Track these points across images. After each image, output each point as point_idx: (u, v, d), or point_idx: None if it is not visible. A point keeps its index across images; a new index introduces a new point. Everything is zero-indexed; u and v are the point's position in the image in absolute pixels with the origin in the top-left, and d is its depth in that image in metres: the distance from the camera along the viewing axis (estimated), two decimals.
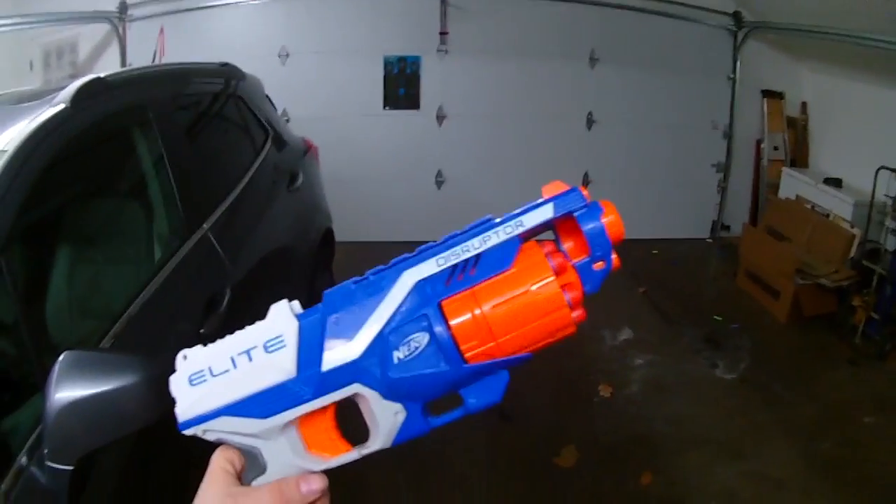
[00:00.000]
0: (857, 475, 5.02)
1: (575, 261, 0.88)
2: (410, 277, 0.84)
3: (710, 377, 6.37)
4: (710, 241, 10.17)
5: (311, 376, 0.85)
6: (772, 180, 9.68)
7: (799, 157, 9.69)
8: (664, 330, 7.29)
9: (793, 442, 5.39)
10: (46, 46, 8.43)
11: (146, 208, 3.44)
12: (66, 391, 1.87)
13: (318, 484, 0.90)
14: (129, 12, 8.46)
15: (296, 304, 0.90)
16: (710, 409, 5.81)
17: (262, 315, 0.87)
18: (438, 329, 0.83)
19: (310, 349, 0.85)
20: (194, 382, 0.87)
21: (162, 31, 8.36)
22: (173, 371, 0.90)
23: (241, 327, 0.90)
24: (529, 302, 0.83)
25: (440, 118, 9.28)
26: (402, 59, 9.07)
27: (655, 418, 5.64)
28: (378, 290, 0.85)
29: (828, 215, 8.03)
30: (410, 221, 9.31)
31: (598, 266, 0.87)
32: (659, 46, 9.45)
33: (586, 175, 9.70)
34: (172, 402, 0.89)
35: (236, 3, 8.71)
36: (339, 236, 6.42)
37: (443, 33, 8.97)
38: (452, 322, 0.82)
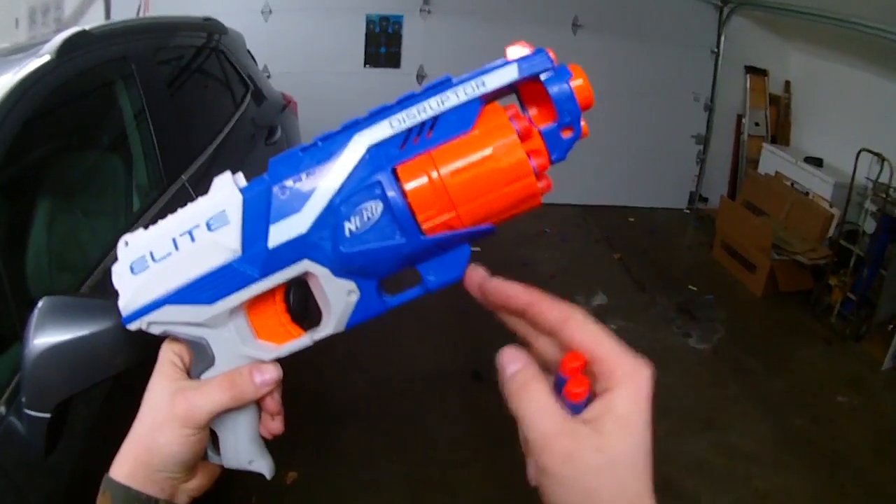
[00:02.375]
0: (828, 453, 5.07)
1: (541, 126, 0.80)
2: (362, 141, 0.78)
3: (682, 346, 6.41)
4: (688, 211, 10.20)
5: (257, 254, 0.80)
6: (751, 156, 9.69)
7: (780, 135, 9.68)
8: (638, 297, 7.31)
9: (764, 416, 5.43)
10: (32, 3, 8.35)
11: (126, 160, 3.43)
12: (45, 337, 1.86)
13: (272, 374, 0.86)
14: None
15: (240, 176, 0.86)
16: (681, 378, 5.82)
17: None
18: (393, 196, 0.76)
19: (255, 224, 0.80)
20: (136, 271, 0.84)
21: None
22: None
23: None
24: (493, 168, 0.76)
25: (420, 77, 9.23)
26: (384, 18, 9.02)
27: None
28: (327, 157, 0.79)
29: (807, 194, 8.06)
30: None
31: (566, 133, 0.79)
32: (643, 16, 9.42)
33: None
34: (115, 295, 0.86)
35: None
36: None
37: None
38: (408, 188, 0.76)
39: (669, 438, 5.05)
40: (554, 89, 0.77)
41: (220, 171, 2.87)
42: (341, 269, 0.80)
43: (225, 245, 0.81)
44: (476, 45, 9.08)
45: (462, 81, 0.78)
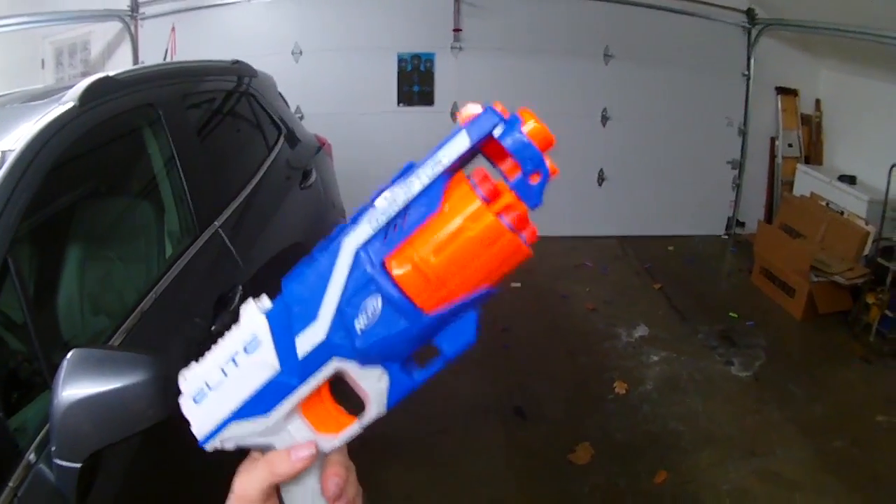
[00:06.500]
0: (869, 475, 4.99)
1: (511, 180, 0.81)
2: (350, 245, 0.82)
3: (724, 374, 6.35)
4: (725, 237, 10.14)
5: (292, 365, 0.86)
6: (786, 177, 9.70)
7: (813, 155, 9.68)
8: (679, 327, 7.26)
9: (806, 440, 5.37)
10: (58, 45, 8.43)
11: (157, 206, 3.44)
12: (74, 389, 1.86)
13: (306, 451, 0.93)
14: (142, 10, 8.48)
15: (264, 298, 0.92)
16: (724, 406, 5.79)
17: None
18: (387, 287, 0.80)
19: (283, 340, 0.86)
20: (198, 400, 0.91)
21: (173, 29, 8.35)
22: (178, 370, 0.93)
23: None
24: (468, 238, 0.78)
25: (454, 115, 9.17)
26: (416, 56, 9.07)
27: (670, 416, 5.62)
28: (326, 266, 0.84)
29: (842, 213, 8.00)
30: None
31: (534, 179, 0.79)
32: (673, 43, 9.43)
33: (601, 171, 9.67)
34: (185, 419, 0.92)
35: (249, 0, 8.70)
36: None
37: (456, 30, 8.96)
38: (397, 277, 0.80)
39: (713, 467, 5.03)
40: (508, 142, 0.79)
41: (254, 216, 2.87)
42: (365, 359, 0.85)
43: (264, 363, 0.88)
44: (508, 80, 9.16)
45: (421, 164, 0.81)
